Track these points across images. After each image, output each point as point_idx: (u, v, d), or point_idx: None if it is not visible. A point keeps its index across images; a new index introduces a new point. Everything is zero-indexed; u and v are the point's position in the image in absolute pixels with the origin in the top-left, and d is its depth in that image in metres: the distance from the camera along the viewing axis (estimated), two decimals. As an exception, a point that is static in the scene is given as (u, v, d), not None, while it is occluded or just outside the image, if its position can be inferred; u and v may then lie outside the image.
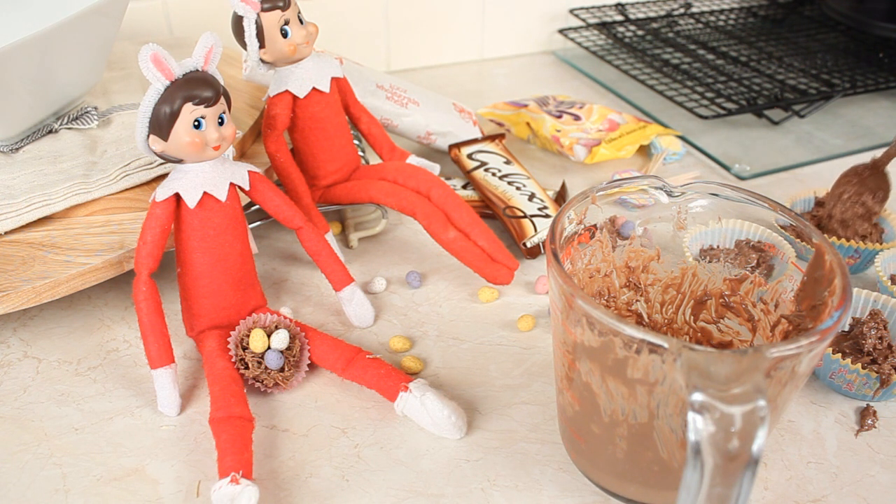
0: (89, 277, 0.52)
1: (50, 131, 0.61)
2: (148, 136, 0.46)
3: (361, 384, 0.49)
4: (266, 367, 0.49)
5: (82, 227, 0.55)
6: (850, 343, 0.51)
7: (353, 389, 0.51)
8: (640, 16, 1.06)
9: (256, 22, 0.54)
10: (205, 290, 0.50)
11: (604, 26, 1.01)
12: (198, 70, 0.46)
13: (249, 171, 0.51)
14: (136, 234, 0.54)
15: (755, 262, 0.58)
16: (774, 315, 0.45)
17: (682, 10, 1.08)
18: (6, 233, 0.55)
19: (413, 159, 0.65)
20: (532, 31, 1.02)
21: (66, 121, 0.62)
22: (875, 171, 0.61)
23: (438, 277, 0.61)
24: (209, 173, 0.48)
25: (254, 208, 0.63)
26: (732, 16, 1.09)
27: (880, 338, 0.50)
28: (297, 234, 0.54)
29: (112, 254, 0.52)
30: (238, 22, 0.54)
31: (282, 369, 0.49)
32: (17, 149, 0.60)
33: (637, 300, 0.49)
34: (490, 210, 0.66)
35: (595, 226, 0.46)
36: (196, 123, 0.45)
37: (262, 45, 0.55)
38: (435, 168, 0.66)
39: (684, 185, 0.47)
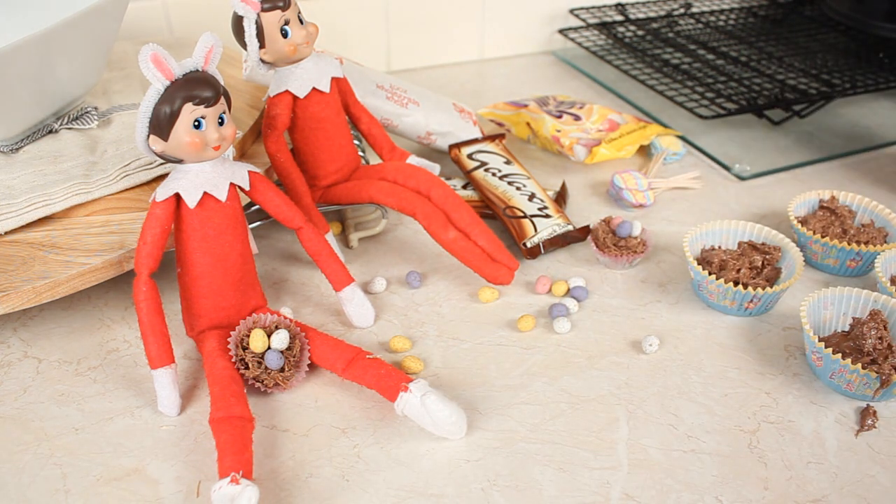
0: (89, 277, 0.52)
1: (50, 131, 0.61)
2: (148, 136, 0.46)
3: (361, 384, 0.49)
4: (266, 367, 0.49)
5: (82, 227, 0.55)
6: (850, 343, 0.51)
7: (353, 389, 0.51)
8: (640, 16, 1.06)
9: (256, 22, 0.54)
10: (205, 290, 0.50)
11: (604, 26, 1.01)
12: (198, 70, 0.46)
13: (249, 171, 0.51)
14: (136, 234, 0.54)
15: (760, 263, 0.58)
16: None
17: (682, 10, 1.08)
18: (6, 233, 0.55)
19: (413, 159, 0.65)
20: (532, 31, 1.02)
21: (66, 121, 0.62)
22: None
23: (438, 277, 0.61)
24: (209, 173, 0.48)
25: (254, 208, 0.63)
26: (732, 16, 1.09)
27: (880, 338, 0.50)
28: (297, 234, 0.54)
29: (112, 254, 0.52)
30: (238, 22, 0.54)
31: (282, 369, 0.49)
32: (17, 149, 0.60)
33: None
34: (490, 210, 0.66)
35: None
36: (196, 123, 0.45)
37: (262, 45, 0.55)
38: (435, 168, 0.66)
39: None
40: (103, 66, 0.65)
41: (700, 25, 1.05)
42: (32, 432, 0.47)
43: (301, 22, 0.56)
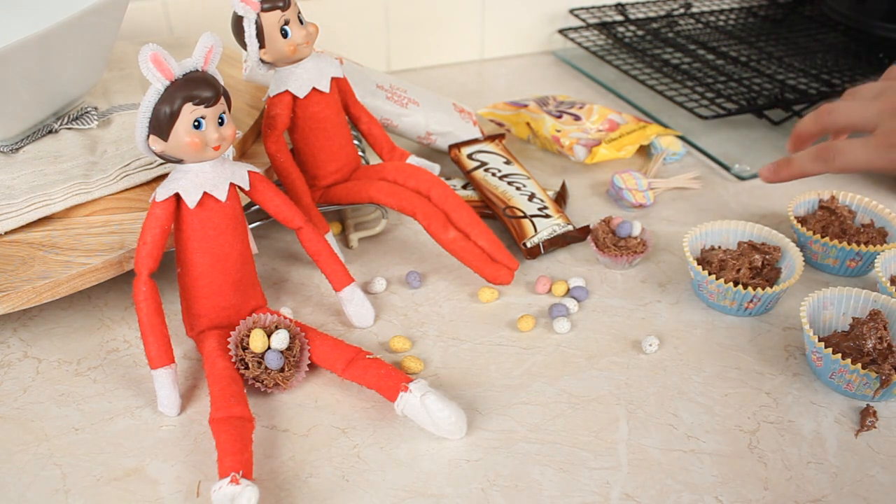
0: (89, 277, 0.52)
1: (50, 131, 0.61)
2: (148, 136, 0.46)
3: (361, 384, 0.49)
4: (266, 367, 0.49)
5: (82, 227, 0.55)
6: (850, 343, 0.51)
7: (353, 389, 0.51)
8: (640, 16, 1.06)
9: (256, 22, 0.54)
10: (205, 290, 0.50)
11: (604, 26, 1.01)
12: (198, 70, 0.46)
13: (249, 172, 0.51)
14: (136, 234, 0.54)
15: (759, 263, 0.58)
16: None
17: (682, 10, 1.08)
18: (6, 233, 0.55)
19: (413, 159, 0.65)
20: (532, 31, 1.02)
21: (66, 121, 0.62)
22: None
23: (438, 277, 0.61)
24: (209, 173, 0.48)
25: (254, 208, 0.63)
26: (732, 16, 1.09)
27: (880, 338, 0.50)
28: (297, 234, 0.54)
29: (112, 254, 0.52)
30: (238, 22, 0.54)
31: (282, 369, 0.49)
32: (17, 149, 0.60)
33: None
34: (490, 210, 0.66)
35: None
36: (196, 123, 0.45)
37: (262, 45, 0.55)
38: (435, 168, 0.66)
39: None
40: (103, 66, 0.65)
41: (700, 25, 1.05)
42: (32, 432, 0.47)
43: (301, 22, 0.56)
